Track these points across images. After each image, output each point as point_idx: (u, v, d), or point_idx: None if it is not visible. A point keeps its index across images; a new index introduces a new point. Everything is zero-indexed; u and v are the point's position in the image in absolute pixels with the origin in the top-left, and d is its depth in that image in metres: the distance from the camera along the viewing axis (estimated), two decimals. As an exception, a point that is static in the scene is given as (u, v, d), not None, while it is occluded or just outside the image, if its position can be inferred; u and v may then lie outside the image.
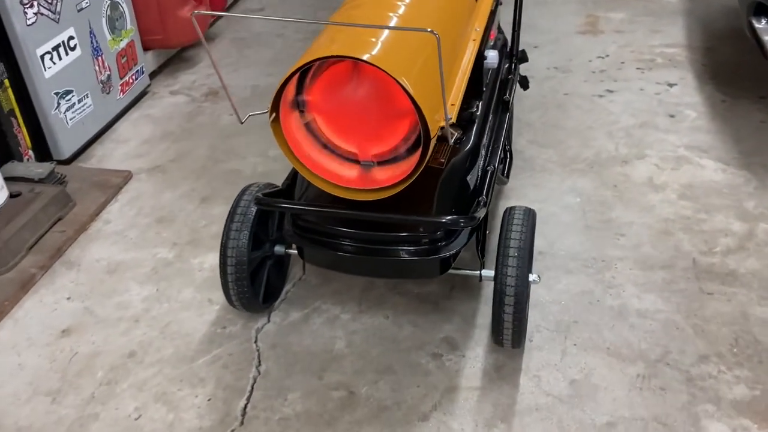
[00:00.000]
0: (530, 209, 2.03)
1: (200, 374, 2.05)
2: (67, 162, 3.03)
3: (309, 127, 1.78)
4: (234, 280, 2.04)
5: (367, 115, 1.74)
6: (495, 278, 1.88)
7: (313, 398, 1.97)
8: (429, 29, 1.38)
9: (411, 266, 1.92)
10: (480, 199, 1.98)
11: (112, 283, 2.41)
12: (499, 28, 2.66)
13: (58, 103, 2.93)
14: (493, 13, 2.37)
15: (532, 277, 2.05)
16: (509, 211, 2.01)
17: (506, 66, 2.64)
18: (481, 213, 1.90)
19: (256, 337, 2.17)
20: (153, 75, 3.70)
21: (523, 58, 2.83)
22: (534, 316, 2.19)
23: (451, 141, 1.66)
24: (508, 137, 2.45)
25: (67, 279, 2.44)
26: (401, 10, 1.78)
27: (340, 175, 1.80)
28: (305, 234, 1.95)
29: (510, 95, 2.49)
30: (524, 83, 2.89)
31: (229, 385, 2.01)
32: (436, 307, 2.24)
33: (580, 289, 2.29)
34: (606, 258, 2.41)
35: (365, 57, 1.55)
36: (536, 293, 2.27)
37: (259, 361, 2.09)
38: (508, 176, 2.40)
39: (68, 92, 2.97)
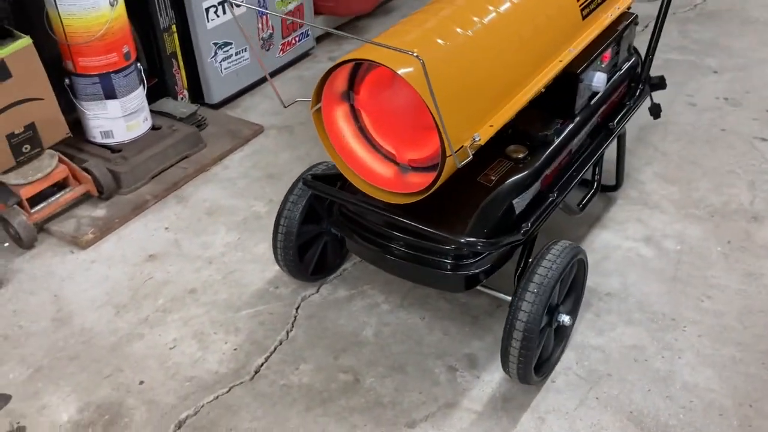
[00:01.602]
0: (576, 247, 1.93)
1: (238, 324, 2.24)
2: (216, 107, 3.35)
3: (357, 120, 1.83)
4: (282, 247, 2.17)
5: (404, 121, 1.76)
6: (510, 308, 1.83)
7: (321, 374, 2.07)
8: (412, 52, 1.36)
9: (433, 276, 1.93)
10: (524, 225, 1.91)
11: (206, 223, 2.67)
12: (633, 48, 2.48)
13: (215, 53, 3.23)
14: (612, 34, 2.22)
15: (563, 318, 1.96)
16: (548, 244, 1.92)
17: (633, 91, 2.46)
18: (510, 239, 1.85)
19: (300, 304, 2.30)
20: (320, 39, 3.92)
21: (657, 84, 2.61)
22: (568, 357, 2.09)
23: (460, 164, 1.63)
24: (598, 165, 2.31)
25: (173, 211, 2.74)
26: (485, 16, 1.75)
27: (376, 172, 1.84)
28: (347, 223, 2.03)
29: (619, 122, 2.33)
30: (655, 111, 2.66)
31: (256, 341, 2.18)
32: (475, 321, 2.22)
33: (633, 342, 2.13)
34: (678, 317, 2.21)
35: (400, 71, 1.56)
36: (583, 334, 2.16)
37: (292, 327, 2.23)
38: (583, 208, 2.26)
39: (227, 44, 3.27)
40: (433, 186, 1.69)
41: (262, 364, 2.11)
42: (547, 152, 2.02)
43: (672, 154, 2.94)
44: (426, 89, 1.54)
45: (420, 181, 1.77)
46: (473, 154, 1.66)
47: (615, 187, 2.71)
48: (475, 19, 1.76)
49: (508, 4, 1.82)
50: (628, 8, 2.44)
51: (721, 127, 3.11)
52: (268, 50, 3.50)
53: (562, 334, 2.06)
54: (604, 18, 2.18)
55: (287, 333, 2.21)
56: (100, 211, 2.69)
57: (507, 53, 1.77)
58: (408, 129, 1.75)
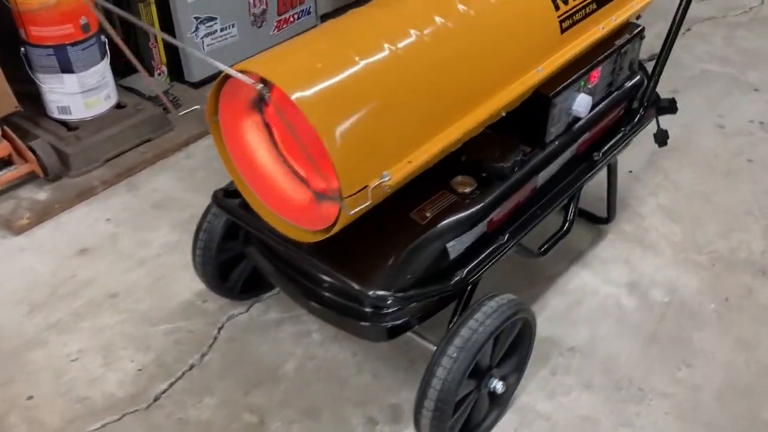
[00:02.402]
0: (517, 304, 1.64)
1: (152, 340, 2.03)
2: (196, 86, 3.12)
3: (271, 135, 1.57)
4: (201, 263, 1.95)
5: (309, 145, 1.48)
6: (426, 369, 1.56)
7: (224, 411, 1.84)
8: (255, 82, 1.09)
9: (350, 323, 1.66)
10: (457, 273, 1.63)
11: (151, 217, 2.46)
12: (638, 65, 2.13)
13: (197, 27, 2.99)
14: (606, 50, 1.89)
15: (495, 384, 1.69)
16: (483, 298, 1.63)
17: (631, 116, 2.12)
18: (433, 291, 1.58)
19: (224, 324, 2.08)
20: (324, 17, 3.63)
21: (666, 107, 2.25)
22: (508, 421, 1.81)
23: (350, 212, 1.35)
24: (573, 202, 1.98)
25: (120, 200, 2.54)
26: (420, 28, 1.45)
27: (289, 197, 1.58)
28: (259, 249, 1.78)
29: (605, 153, 2.00)
30: (661, 138, 2.31)
31: (164, 364, 1.96)
32: (411, 366, 1.95)
33: (587, 412, 1.84)
34: (647, 386, 1.90)
35: (293, 95, 1.29)
36: (532, 395, 1.87)
37: (209, 350, 2.00)
38: (545, 252, 1.95)
39: (211, 19, 3.02)
40: (332, 229, 1.42)
41: (163, 392, 1.89)
42: (501, 188, 1.72)
43: (683, 186, 2.58)
44: (319, 114, 1.28)
45: (335, 213, 1.51)
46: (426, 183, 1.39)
47: (606, 220, 2.38)
48: (411, 31, 1.46)
49: (449, 16, 1.51)
50: (638, 17, 2.10)
51: (747, 156, 2.72)
52: (260, 27, 3.24)
53: (500, 399, 1.78)
54: (594, 31, 1.84)
55: (201, 357, 1.99)
56: (43, 194, 2.51)
57: (442, 75, 1.47)
58: (314, 154, 1.48)
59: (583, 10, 1.79)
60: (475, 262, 1.67)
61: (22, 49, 2.56)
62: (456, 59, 1.49)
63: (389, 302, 1.53)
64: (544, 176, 1.85)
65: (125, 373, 1.94)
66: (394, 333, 1.65)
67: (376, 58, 1.40)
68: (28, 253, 2.32)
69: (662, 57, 2.12)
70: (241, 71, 1.34)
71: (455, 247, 1.65)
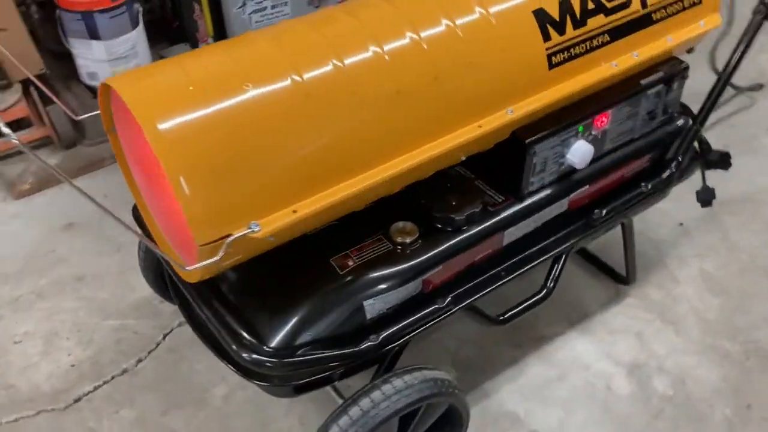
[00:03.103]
0: (439, 385, 1.39)
1: (96, 335, 1.95)
2: (241, 62, 2.99)
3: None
4: (143, 267, 1.83)
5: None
6: (314, 437, 1.36)
7: (136, 429, 1.73)
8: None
9: (251, 374, 1.47)
10: (371, 336, 1.40)
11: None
12: (679, 108, 1.77)
13: (244, 3, 2.85)
14: (621, 91, 1.55)
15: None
16: (400, 370, 1.40)
17: (659, 169, 1.76)
18: (322, 357, 1.36)
19: (172, 330, 1.96)
20: None
21: (716, 161, 1.86)
22: None
23: (186, 269, 1.15)
24: (557, 265, 1.66)
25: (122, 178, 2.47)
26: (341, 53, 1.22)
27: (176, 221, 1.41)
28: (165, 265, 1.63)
29: (610, 213, 1.66)
30: (704, 197, 1.90)
31: (99, 363, 1.88)
32: (346, 417, 1.75)
33: None
34: (607, 499, 1.59)
35: (144, 125, 1.11)
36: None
37: (147, 356, 1.90)
38: (506, 321, 1.63)
39: (261, -5, 2.87)
40: (197, 276, 1.24)
41: (86, 394, 1.81)
42: (447, 244, 1.45)
43: (741, 251, 2.15)
44: (168, 148, 1.09)
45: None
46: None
47: (625, 281, 2.03)
48: (332, 60, 1.21)
49: (385, 38, 1.25)
50: (689, 51, 1.73)
51: (837, 227, 2.24)
52: (317, 6, 3.05)
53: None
54: (603, 68, 1.50)
55: (137, 362, 1.89)
56: (53, 160, 2.49)
57: (358, 112, 1.22)
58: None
59: (588, 43, 1.46)
60: (396, 327, 1.42)
61: (56, 11, 2.53)
62: (380, 95, 1.24)
63: (269, 366, 1.33)
64: (515, 233, 1.56)
65: (58, 366, 1.87)
66: (305, 389, 1.46)
67: (272, 87, 1.18)
68: (20, 220, 2.32)
69: (711, 99, 1.74)
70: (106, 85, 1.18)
71: (375, 306, 1.41)
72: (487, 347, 1.90)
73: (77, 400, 1.80)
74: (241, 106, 1.15)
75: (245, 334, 1.33)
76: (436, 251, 1.45)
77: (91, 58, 2.57)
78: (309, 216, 1.21)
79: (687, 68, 1.66)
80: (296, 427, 1.73)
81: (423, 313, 1.45)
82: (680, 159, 1.75)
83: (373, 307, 1.41)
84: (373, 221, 1.47)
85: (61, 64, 2.67)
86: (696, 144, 1.87)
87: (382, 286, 1.40)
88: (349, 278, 1.39)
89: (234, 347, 1.32)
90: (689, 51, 1.75)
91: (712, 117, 1.77)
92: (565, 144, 1.52)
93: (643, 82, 1.60)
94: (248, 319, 1.36)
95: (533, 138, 1.45)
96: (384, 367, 1.48)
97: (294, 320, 1.36)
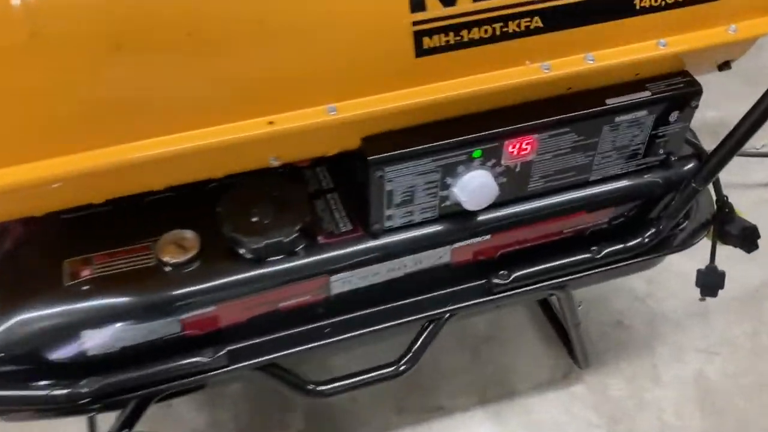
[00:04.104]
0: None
1: None
2: None
3: None
4: None
5: None
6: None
7: None
8: None
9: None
10: (90, 382, 1.01)
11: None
12: (692, 146, 1.19)
13: None
14: (565, 109, 1.01)
15: None
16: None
17: (641, 230, 1.20)
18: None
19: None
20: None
21: (735, 236, 1.26)
22: None
23: None
24: (421, 337, 1.14)
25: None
26: None
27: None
28: None
29: (525, 279, 1.15)
30: (710, 286, 1.30)
31: None
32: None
33: None
34: None
35: None
36: None
37: None
38: (329, 394, 1.12)
39: None
40: None
41: None
42: (235, 276, 1.01)
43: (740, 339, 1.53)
44: None
45: None
46: None
47: (579, 363, 1.49)
48: None
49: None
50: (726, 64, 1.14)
51: None
52: None
53: None
54: (523, 69, 0.96)
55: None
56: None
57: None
58: None
59: (498, 26, 0.92)
60: (127, 376, 1.02)
61: None
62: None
63: None
64: (354, 281, 1.09)
65: None
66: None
67: None
68: None
69: (727, 148, 1.13)
70: None
71: (99, 339, 1.01)
72: (360, 399, 1.45)
73: None
74: None
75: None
76: (211, 284, 1.01)
77: None
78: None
79: (698, 93, 1.08)
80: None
81: (177, 364, 1.04)
82: (661, 226, 1.17)
83: (98, 344, 1.01)
84: (155, 221, 1.06)
85: None
86: (714, 204, 1.29)
87: (114, 315, 0.99)
88: (72, 292, 0.99)
89: None
90: (722, 67, 1.15)
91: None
92: (449, 172, 1.01)
93: (610, 102, 1.04)
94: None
95: (380, 156, 0.96)
96: (126, 416, 1.08)
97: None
